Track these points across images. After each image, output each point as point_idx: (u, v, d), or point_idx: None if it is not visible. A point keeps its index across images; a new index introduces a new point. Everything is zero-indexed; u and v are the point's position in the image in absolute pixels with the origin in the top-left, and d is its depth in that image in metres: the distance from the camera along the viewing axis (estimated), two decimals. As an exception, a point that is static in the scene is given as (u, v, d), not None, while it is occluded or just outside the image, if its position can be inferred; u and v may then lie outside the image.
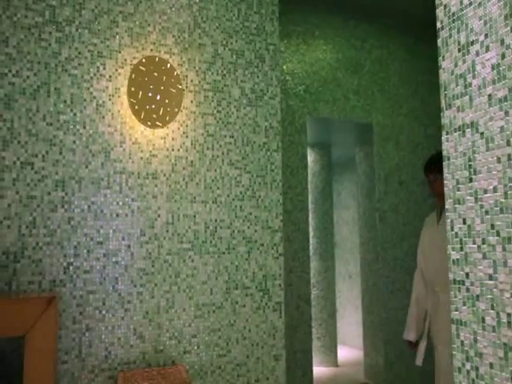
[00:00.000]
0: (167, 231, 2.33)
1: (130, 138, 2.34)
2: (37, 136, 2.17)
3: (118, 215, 2.25)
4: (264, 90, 2.69)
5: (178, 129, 2.44)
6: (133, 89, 2.29)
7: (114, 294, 2.18)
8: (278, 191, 2.62)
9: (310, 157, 5.33)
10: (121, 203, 2.27)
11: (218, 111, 2.54)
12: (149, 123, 2.31)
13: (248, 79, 2.65)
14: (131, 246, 2.25)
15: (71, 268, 2.12)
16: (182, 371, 2.05)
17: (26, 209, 2.10)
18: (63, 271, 2.11)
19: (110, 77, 2.34)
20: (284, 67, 4.06)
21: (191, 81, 2.50)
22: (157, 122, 2.32)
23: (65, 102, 2.24)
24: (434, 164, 2.27)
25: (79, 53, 2.30)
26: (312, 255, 4.77)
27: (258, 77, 2.68)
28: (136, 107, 2.28)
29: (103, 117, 2.30)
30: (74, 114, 2.25)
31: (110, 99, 2.33)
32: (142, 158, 2.35)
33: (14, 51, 2.18)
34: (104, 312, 2.14)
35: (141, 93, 2.29)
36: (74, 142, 2.23)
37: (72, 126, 2.24)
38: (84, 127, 2.26)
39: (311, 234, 4.80)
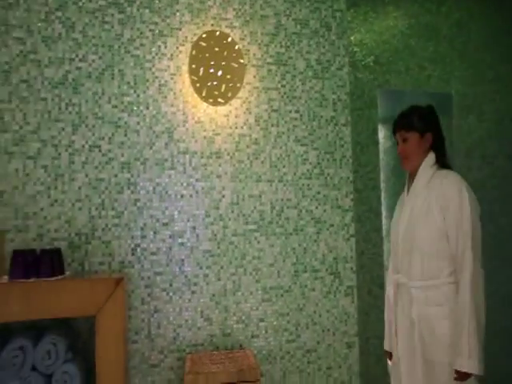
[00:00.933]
0: (232, 212, 2.26)
1: (192, 117, 2.28)
2: (103, 119, 2.17)
3: (182, 196, 2.21)
4: (331, 61, 2.50)
5: (241, 105, 2.34)
6: (194, 66, 2.22)
7: (181, 276, 2.16)
8: (347, 168, 2.45)
9: (381, 133, 5.01)
10: (185, 184, 2.23)
11: (282, 85, 2.40)
12: (211, 100, 2.23)
13: (313, 50, 2.47)
14: (196, 227, 2.21)
15: (138, 249, 2.13)
16: (250, 356, 1.98)
17: (95, 191, 2.12)
18: (131, 252, 2.12)
19: (171, 55, 2.29)
20: (351, 38, 3.81)
21: (253, 55, 2.38)
22: (219, 99, 2.23)
23: (128, 83, 2.22)
24: (404, 120, 1.76)
25: (141, 33, 2.26)
26: (385, 236, 4.53)
27: (323, 47, 2.50)
28: (197, 85, 2.21)
29: (165, 97, 2.26)
30: (138, 95, 2.23)
31: (171, 78, 2.28)
32: (205, 137, 2.28)
33: (80, 36, 2.20)
34: (171, 294, 2.13)
35: (202, 70, 2.22)
36: (138, 123, 2.21)
37: (136, 108, 2.22)
38: (147, 108, 2.23)
39: (383, 214, 4.54)
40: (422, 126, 1.74)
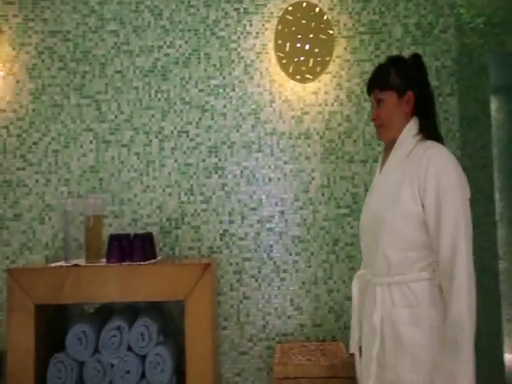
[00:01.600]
0: (323, 195, 2.12)
1: (279, 97, 2.17)
2: (190, 104, 2.17)
3: (270, 179, 2.13)
4: (433, 23, 2.21)
5: (331, 81, 2.17)
6: (280, 42, 2.10)
7: (270, 262, 2.09)
8: (454, 144, 2.16)
9: (494, 104, 4.44)
10: (273, 167, 2.14)
11: (376, 56, 2.18)
12: (298, 77, 2.10)
13: (412, 13, 2.20)
14: (285, 211, 2.12)
15: (227, 235, 2.10)
16: (343, 349, 1.86)
17: (184, 176, 2.13)
18: (219, 238, 2.10)
19: (256, 33, 2.20)
20: (458, -2, 3.37)
21: (344, 25, 2.19)
22: (307, 75, 2.09)
23: (214, 65, 2.18)
24: (378, 75, 1.38)
25: (226, 13, 2.20)
26: (498, 221, 4.03)
27: (424, 8, 2.21)
28: (284, 61, 2.09)
29: (252, 77, 2.18)
30: (223, 78, 2.18)
31: (257, 57, 2.19)
32: (293, 116, 2.16)
33: (168, 22, 2.20)
34: (260, 280, 2.08)
35: (288, 45, 2.09)
36: (225, 106, 2.17)
37: (222, 90, 2.17)
38: (233, 90, 2.17)
39: (497, 196, 4.04)
40: (401, 83, 1.32)
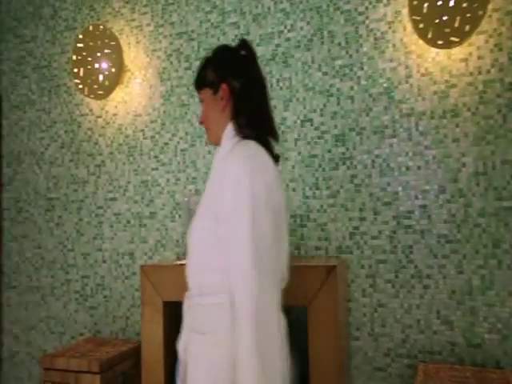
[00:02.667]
0: (477, 185, 1.72)
1: (417, 70, 1.83)
2: (313, 89, 1.98)
3: (408, 168, 1.81)
4: None
5: (486, 42, 1.74)
6: (415, 2, 1.75)
7: (409, 266, 1.77)
8: None
9: None
10: (411, 153, 1.81)
11: (551, 0, 1.66)
12: (440, 42, 1.73)
13: None
14: (427, 206, 1.77)
15: (357, 233, 1.85)
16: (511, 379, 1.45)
17: (308, 169, 1.96)
18: (349, 236, 1.87)
19: (387, 1, 1.89)
20: None
21: (502, -32, 1.73)
22: (452, 38, 1.71)
23: (339, 44, 1.95)
24: (196, 75, 1.20)
25: (351, -17, 1.95)
26: None
27: None
28: (421, 25, 1.74)
29: (383, 51, 1.88)
30: (350, 56, 1.93)
31: (389, 27, 1.88)
32: (435, 92, 1.80)
33: (288, 5, 2.05)
34: (397, 286, 1.78)
35: (426, 5, 1.73)
36: (352, 87, 1.92)
37: (348, 71, 1.93)
38: (361, 68, 1.91)
39: None
40: (216, 77, 1.14)
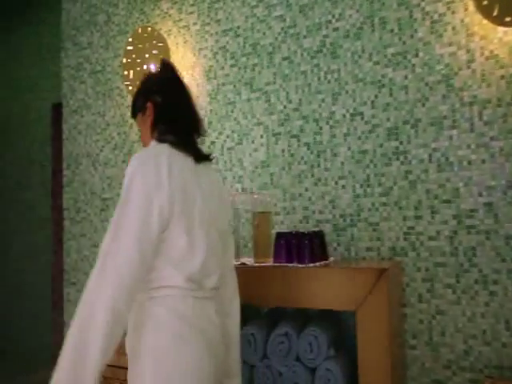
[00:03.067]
0: (553, 180, 1.51)
1: (481, 53, 1.66)
2: (363, 80, 1.86)
3: (470, 162, 1.64)
4: None
5: (562, 17, 1.53)
6: (476, -21, 1.58)
7: (472, 270, 1.60)
8: None
9: None
10: (473, 146, 1.64)
11: None
12: (508, 19, 1.54)
13: None
14: (493, 203, 1.59)
15: (413, 233, 1.71)
16: None
17: (358, 165, 1.85)
18: (403, 237, 1.73)
19: (445, -21, 1.73)
20: None
21: None
22: (519, 15, 1.52)
23: (391, 31, 1.82)
24: (133, 104, 1.29)
25: (404, -36, 1.81)
26: None
27: None
28: (485, 2, 1.57)
29: (440, 35, 1.73)
30: (403, 43, 1.79)
31: (448, 8, 1.72)
32: (502, 76, 1.62)
33: (337, -7, 1.95)
34: (459, 292, 1.62)
35: (489, -20, 1.56)
36: (406, 77, 1.78)
37: (401, 59, 1.79)
38: (416, 55, 1.77)
39: None
40: (142, 99, 1.26)
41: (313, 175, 1.94)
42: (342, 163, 1.88)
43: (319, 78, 1.96)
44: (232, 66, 2.17)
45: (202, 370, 1.10)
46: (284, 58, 2.05)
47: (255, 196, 1.77)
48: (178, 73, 1.30)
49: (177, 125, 1.24)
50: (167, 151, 1.15)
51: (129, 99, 2.45)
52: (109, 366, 1.91)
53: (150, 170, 1.10)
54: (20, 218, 4.86)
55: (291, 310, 1.81)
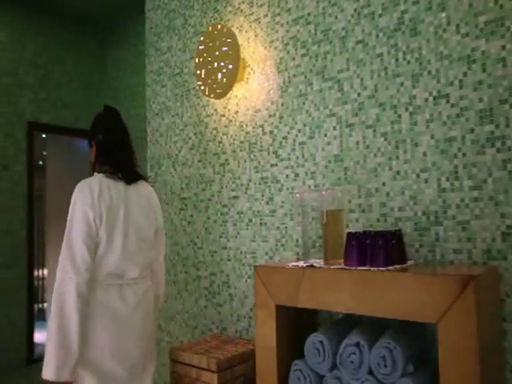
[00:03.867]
0: None
1: None
2: (449, 57, 1.62)
3: None
4: None
5: None
6: None
7: None
8: None
9: None
10: None
11: None
12: None
13: None
14: None
15: (512, 233, 1.43)
16: None
17: (444, 156, 1.61)
18: (501, 237, 1.46)
19: None
20: None
21: None
22: None
23: (483, -4, 1.55)
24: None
25: None
26: None
27: None
28: None
29: (547, -7, 1.42)
30: (500, 7, 1.53)
31: (556, -40, 1.41)
32: None
33: (418, -37, 1.73)
34: None
35: None
36: (503, 47, 1.51)
37: (497, 27, 1.52)
38: (515, 21, 1.48)
39: None
40: (90, 137, 1.77)
41: (391, 168, 1.74)
42: (425, 154, 1.65)
43: (397, 60, 1.75)
44: (303, 55, 2.05)
45: (107, 339, 1.60)
46: (358, 42, 1.87)
47: (323, 192, 1.63)
48: (119, 116, 1.81)
49: (112, 158, 1.72)
50: (100, 179, 1.66)
51: (204, 99, 2.47)
52: (181, 363, 1.93)
53: (85, 195, 1.59)
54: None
55: (366, 317, 1.64)
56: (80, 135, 5.45)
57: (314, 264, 1.60)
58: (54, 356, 1.47)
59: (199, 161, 2.47)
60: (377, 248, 1.49)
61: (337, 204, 1.67)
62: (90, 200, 1.58)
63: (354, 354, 1.47)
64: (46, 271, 5.56)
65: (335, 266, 1.55)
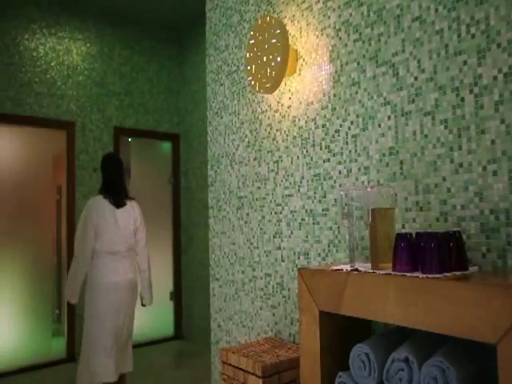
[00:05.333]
0: None
1: None
2: (523, 26, 1.36)
3: None
4: None
5: None
6: None
7: None
8: None
9: None
10: None
11: None
12: None
13: None
14: None
15: None
16: None
17: (516, 143, 1.36)
18: None
19: None
20: None
21: None
22: None
23: None
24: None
25: None
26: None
27: None
28: None
29: None
30: None
31: None
32: None
33: None
34: None
35: None
36: None
37: None
38: None
39: None
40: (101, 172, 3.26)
41: (452, 160, 1.52)
42: (493, 142, 1.41)
43: (459, 35, 1.52)
44: (355, 40, 1.89)
45: (105, 298, 2.97)
46: (414, 19, 1.67)
47: (368, 189, 1.47)
48: (116, 159, 3.27)
49: (108, 187, 3.13)
50: (99, 200, 3.08)
51: (259, 95, 2.41)
52: (231, 365, 1.90)
53: (89, 210, 3.02)
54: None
55: (420, 330, 1.45)
56: (161, 137, 5.73)
57: (359, 268, 1.46)
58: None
59: (254, 159, 2.41)
60: (430, 252, 1.30)
61: (386, 202, 1.50)
62: (91, 214, 3.07)
63: (402, 370, 1.31)
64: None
65: (381, 271, 1.39)
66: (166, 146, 5.74)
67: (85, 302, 3.02)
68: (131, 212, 3.13)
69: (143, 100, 5.48)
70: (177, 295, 5.63)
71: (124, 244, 3.06)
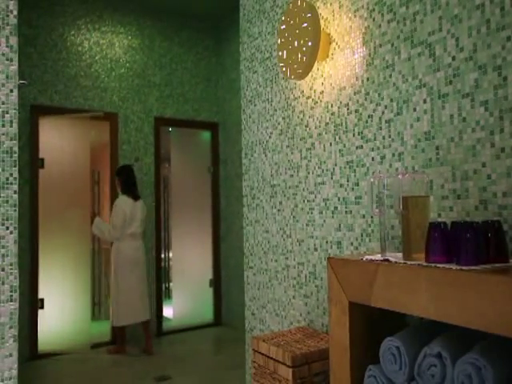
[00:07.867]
0: None
1: None
2: None
3: None
4: None
5: None
6: None
7: None
8: None
9: None
10: None
11: None
12: None
13: None
14: None
15: None
16: None
17: None
18: None
19: None
20: None
21: None
22: None
23: None
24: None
25: None
26: None
27: None
28: None
29: None
30: None
31: None
32: None
33: None
34: None
35: None
36: None
37: None
38: None
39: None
40: (116, 175, 4.63)
41: (493, 145, 1.42)
42: (538, 124, 1.31)
43: (502, 8, 1.41)
44: (389, 21, 1.80)
45: (126, 267, 4.52)
46: (453, -5, 1.57)
47: (399, 176, 1.41)
48: (131, 168, 4.73)
49: (127, 187, 4.58)
50: (124, 197, 4.54)
51: (291, 82, 2.36)
52: (261, 354, 1.90)
53: (119, 205, 4.50)
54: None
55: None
56: (200, 127, 5.79)
57: (390, 258, 1.41)
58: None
59: (287, 146, 2.38)
60: (465, 242, 1.23)
61: (420, 189, 1.43)
62: (122, 207, 4.44)
63: (434, 366, 1.25)
64: (171, 254, 6.11)
65: (412, 262, 1.33)
66: (206, 135, 5.80)
67: (113, 269, 4.50)
68: (143, 207, 4.64)
69: (183, 90, 5.55)
70: (216, 283, 5.72)
71: (139, 228, 4.59)
